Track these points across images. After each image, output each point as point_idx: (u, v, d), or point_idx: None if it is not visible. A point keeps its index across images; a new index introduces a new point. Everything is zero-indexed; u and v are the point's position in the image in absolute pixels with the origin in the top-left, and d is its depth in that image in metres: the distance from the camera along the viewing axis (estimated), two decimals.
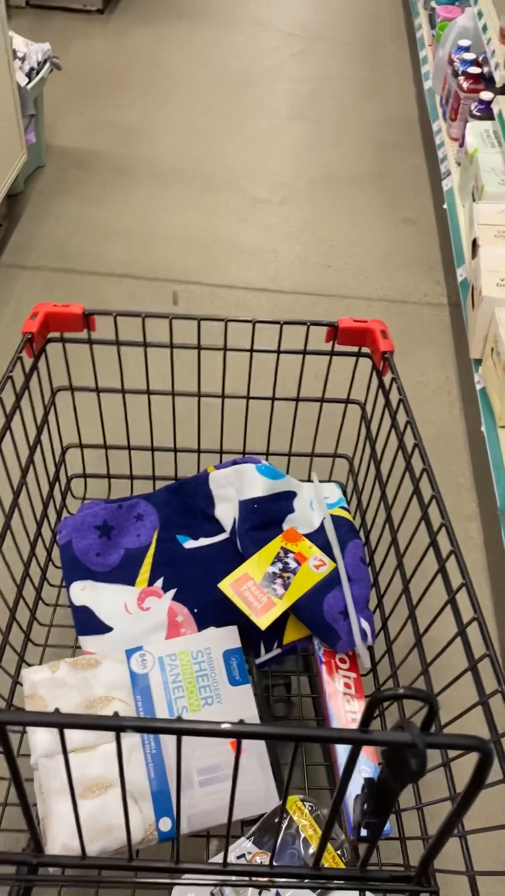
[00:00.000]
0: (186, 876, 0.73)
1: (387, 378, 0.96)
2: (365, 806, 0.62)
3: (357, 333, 0.98)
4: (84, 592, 1.07)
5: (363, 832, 0.64)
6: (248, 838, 0.93)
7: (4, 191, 2.17)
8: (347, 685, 1.02)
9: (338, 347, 1.03)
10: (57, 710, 0.53)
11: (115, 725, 0.53)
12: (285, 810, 0.94)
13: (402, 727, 0.54)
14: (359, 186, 2.64)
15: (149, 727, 0.53)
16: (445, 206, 2.31)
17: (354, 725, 0.99)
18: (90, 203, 2.50)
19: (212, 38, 3.35)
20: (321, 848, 0.67)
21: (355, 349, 1.02)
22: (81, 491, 1.21)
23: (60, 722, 0.53)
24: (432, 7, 2.82)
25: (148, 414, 1.09)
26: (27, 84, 2.36)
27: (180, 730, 0.53)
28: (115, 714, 0.53)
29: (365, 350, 1.02)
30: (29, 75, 2.44)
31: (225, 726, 0.52)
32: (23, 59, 2.47)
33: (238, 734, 0.54)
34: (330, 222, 2.49)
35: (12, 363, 0.91)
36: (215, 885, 0.88)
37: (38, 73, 2.45)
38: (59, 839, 0.88)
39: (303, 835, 0.93)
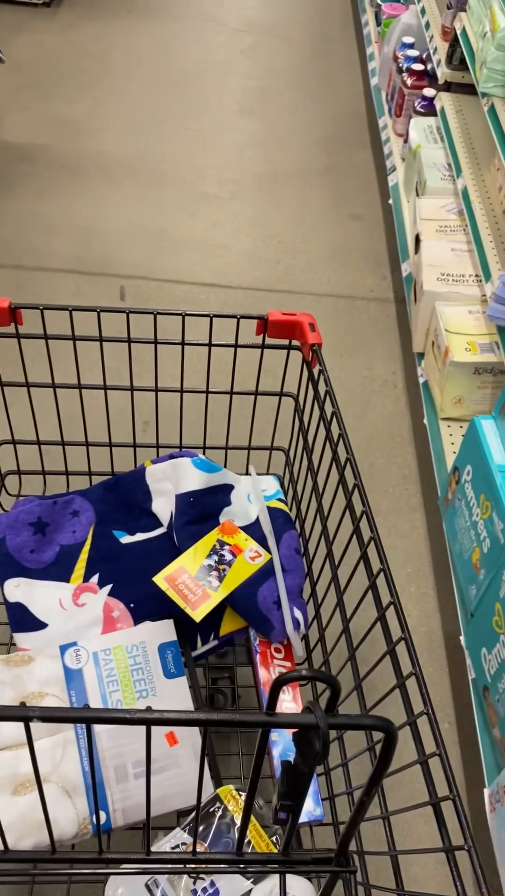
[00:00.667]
0: (125, 866, 0.73)
1: (316, 370, 0.97)
2: (281, 789, 0.63)
3: (286, 326, 0.99)
4: (18, 589, 1.06)
5: (281, 815, 0.65)
6: (182, 829, 0.94)
7: None
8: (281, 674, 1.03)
9: (270, 340, 1.03)
10: None
11: (22, 716, 0.53)
12: (220, 799, 0.95)
13: (309, 709, 0.55)
14: (307, 182, 2.65)
15: (56, 717, 0.54)
16: (390, 201, 2.34)
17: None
18: (37, 198, 2.47)
19: (161, 33, 3.33)
20: (242, 833, 0.68)
21: (286, 342, 1.03)
22: (16, 488, 1.20)
23: None
24: (378, 4, 2.85)
25: (80, 409, 1.09)
26: None
27: (88, 718, 0.54)
28: (22, 704, 0.53)
29: (296, 343, 1.03)
30: None
31: (122, 714, 0.53)
32: None
33: (146, 721, 0.54)
34: (279, 218, 2.50)
35: None
36: (148, 874, 0.89)
37: None
38: None
39: (238, 823, 0.94)
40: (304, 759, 0.57)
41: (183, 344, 1.02)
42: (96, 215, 2.43)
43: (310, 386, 1.00)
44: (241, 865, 0.68)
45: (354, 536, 0.84)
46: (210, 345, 1.02)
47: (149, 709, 0.54)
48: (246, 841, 0.93)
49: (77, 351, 1.05)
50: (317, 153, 2.79)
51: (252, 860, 0.69)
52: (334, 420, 0.90)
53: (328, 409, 0.92)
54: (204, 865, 0.69)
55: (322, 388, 0.94)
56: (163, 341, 1.02)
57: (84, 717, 0.54)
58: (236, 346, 1.02)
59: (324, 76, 3.19)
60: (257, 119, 2.92)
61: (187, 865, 0.69)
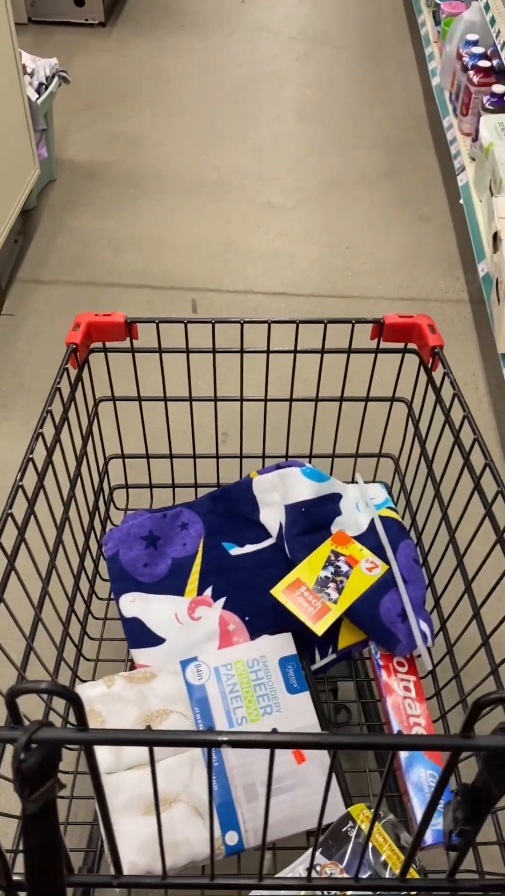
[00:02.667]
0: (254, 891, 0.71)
1: (437, 374, 0.94)
2: (457, 813, 0.60)
3: (403, 329, 0.96)
4: (134, 604, 1.05)
5: (454, 839, 0.62)
6: (316, 849, 0.91)
7: (19, 207, 2.16)
8: (406, 688, 1.00)
9: (383, 344, 1.01)
10: (149, 728, 0.51)
11: (209, 741, 0.51)
12: (352, 819, 0.92)
13: (503, 730, 0.52)
14: (372, 186, 2.62)
15: (243, 741, 0.52)
16: (461, 201, 2.29)
17: (417, 730, 0.97)
18: (103, 215, 2.49)
19: (214, 46, 3.35)
20: (409, 858, 0.65)
21: (400, 346, 1.00)
22: (122, 502, 1.19)
23: (151, 739, 0.52)
24: (436, 3, 2.81)
25: (190, 421, 1.08)
26: (37, 99, 2.36)
27: (275, 743, 0.52)
28: (210, 728, 0.51)
29: (411, 346, 1.00)
30: (38, 90, 2.44)
31: (317, 738, 0.51)
32: (31, 75, 2.47)
33: (334, 745, 0.52)
34: (345, 224, 2.48)
35: (59, 374, 0.90)
36: None
37: (46, 87, 2.45)
38: (126, 857, 0.86)
39: (372, 844, 0.91)
40: (496, 782, 0.54)
41: (295, 352, 1.00)
42: (162, 230, 2.44)
43: (429, 390, 0.97)
44: (410, 893, 0.65)
45: (499, 546, 0.81)
46: (322, 351, 1.00)
47: (332, 732, 0.51)
48: (382, 862, 0.90)
49: (190, 363, 1.04)
50: (379, 157, 2.76)
51: (419, 886, 0.66)
52: (465, 424, 0.87)
53: (457, 413, 0.89)
54: (367, 891, 0.67)
55: (449, 391, 0.91)
56: (274, 351, 1.00)
57: (271, 742, 0.52)
58: (349, 351, 1.00)
59: (380, 79, 3.16)
60: (316, 126, 2.90)
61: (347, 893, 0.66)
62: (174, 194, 2.57)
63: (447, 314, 2.19)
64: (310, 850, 0.92)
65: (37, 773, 0.49)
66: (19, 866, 0.66)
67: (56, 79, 2.47)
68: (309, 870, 0.67)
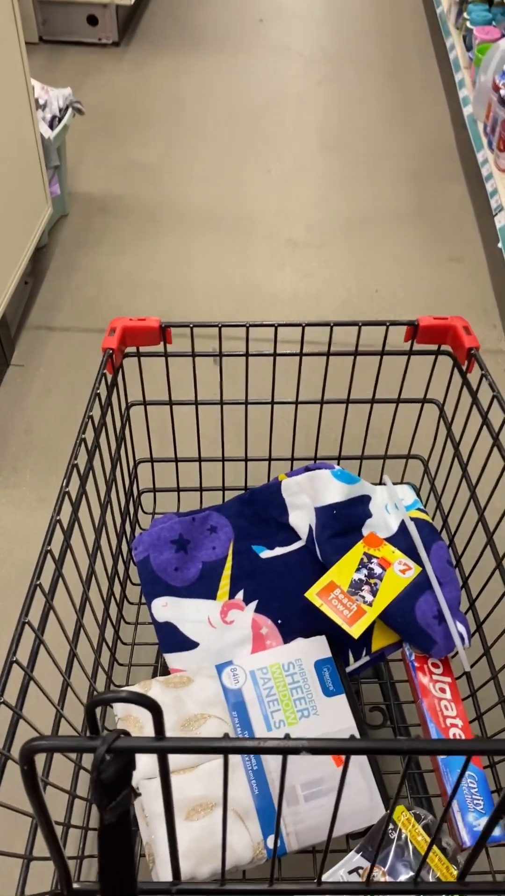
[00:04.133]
0: None
1: (473, 376, 0.94)
2: None
3: (438, 331, 0.97)
4: (166, 608, 1.05)
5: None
6: (357, 852, 0.90)
7: (31, 250, 2.00)
8: (442, 690, 0.99)
9: (416, 347, 1.01)
10: (226, 735, 0.51)
11: (288, 748, 0.50)
12: (393, 821, 0.91)
13: None
14: (400, 224, 2.50)
15: (322, 748, 0.51)
16: (499, 245, 2.16)
17: (455, 732, 0.96)
18: (118, 253, 2.36)
19: (231, 68, 3.27)
20: (470, 861, 0.64)
21: (435, 348, 1.00)
22: (150, 506, 1.20)
23: (228, 747, 0.51)
24: (468, 28, 2.73)
25: (220, 425, 1.08)
26: (50, 135, 2.23)
27: (355, 749, 0.50)
28: (286, 736, 0.50)
29: (445, 348, 1.01)
30: (51, 124, 2.31)
31: (395, 744, 0.50)
32: (43, 107, 2.34)
33: (416, 751, 0.51)
34: (373, 265, 2.35)
35: (97, 380, 0.91)
36: None
37: (60, 120, 2.33)
38: (169, 863, 0.85)
39: (412, 846, 0.90)
40: None
41: (328, 354, 1.00)
42: (180, 270, 2.31)
43: (464, 391, 0.97)
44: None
45: None
46: (356, 353, 1.00)
47: (417, 738, 0.51)
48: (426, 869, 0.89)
49: (223, 367, 1.04)
50: (407, 190, 2.64)
51: (481, 889, 0.65)
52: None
53: (495, 416, 0.89)
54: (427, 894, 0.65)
55: (487, 393, 0.91)
56: (308, 353, 1.01)
57: (349, 749, 0.51)
58: (382, 353, 1.00)
59: (406, 104, 3.08)
60: (340, 155, 2.80)
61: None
62: (193, 230, 2.44)
63: (486, 366, 2.12)
64: (352, 853, 0.90)
65: (115, 783, 0.49)
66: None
67: (70, 110, 2.39)
68: (369, 875, 0.66)
